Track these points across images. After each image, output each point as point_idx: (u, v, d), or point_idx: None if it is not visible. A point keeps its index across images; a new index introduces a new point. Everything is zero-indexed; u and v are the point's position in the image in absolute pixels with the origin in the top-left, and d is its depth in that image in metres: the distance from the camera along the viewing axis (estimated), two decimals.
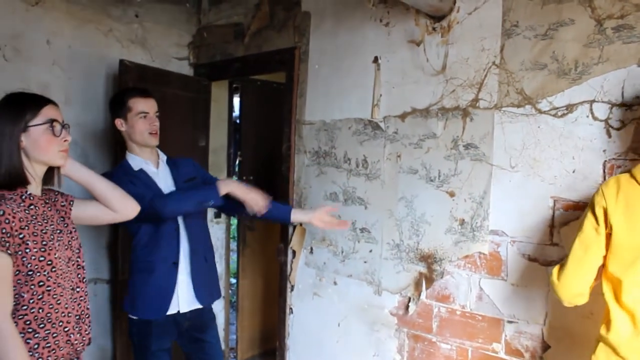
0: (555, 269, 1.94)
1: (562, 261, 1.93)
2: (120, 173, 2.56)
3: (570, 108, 2.32)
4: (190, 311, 2.68)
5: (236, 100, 4.64)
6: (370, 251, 3.08)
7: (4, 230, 1.66)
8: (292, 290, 3.54)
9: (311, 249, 3.42)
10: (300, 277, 3.49)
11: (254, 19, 3.81)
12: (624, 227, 1.75)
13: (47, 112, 1.84)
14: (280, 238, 3.62)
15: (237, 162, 4.59)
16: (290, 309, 3.55)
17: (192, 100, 4.00)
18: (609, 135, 2.21)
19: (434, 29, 2.79)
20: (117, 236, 3.59)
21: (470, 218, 2.64)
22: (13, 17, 3.23)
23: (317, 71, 3.37)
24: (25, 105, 1.82)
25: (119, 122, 2.64)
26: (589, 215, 1.85)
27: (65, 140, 1.88)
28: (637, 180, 1.76)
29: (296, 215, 2.91)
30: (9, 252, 1.68)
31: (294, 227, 3.49)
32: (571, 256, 1.88)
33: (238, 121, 4.62)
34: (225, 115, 4.45)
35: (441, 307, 2.76)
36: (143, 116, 2.62)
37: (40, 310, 1.78)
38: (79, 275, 1.96)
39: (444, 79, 2.74)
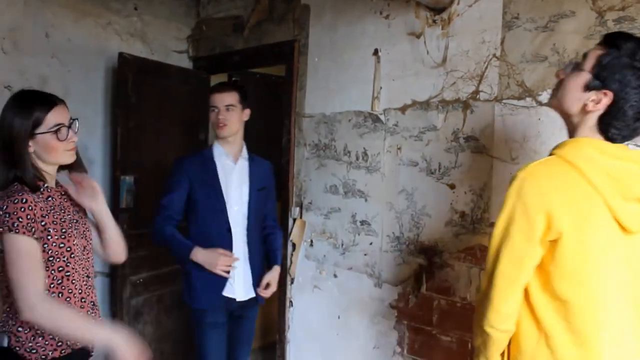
0: (481, 292, 1.58)
1: (485, 278, 1.56)
2: (197, 157, 2.85)
3: None
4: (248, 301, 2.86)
5: None
6: (371, 244, 3.08)
7: (28, 217, 1.72)
8: (292, 283, 3.55)
9: (311, 241, 3.42)
10: (300, 269, 3.50)
11: (254, 11, 3.79)
12: (575, 233, 1.41)
13: (52, 118, 1.85)
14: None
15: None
16: (291, 301, 3.56)
17: (192, 93, 3.99)
18: None
19: (434, 21, 2.78)
20: None
21: (470, 210, 2.64)
22: (12, 10, 3.22)
23: (316, 64, 3.37)
24: (32, 111, 1.83)
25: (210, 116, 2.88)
26: (518, 220, 1.45)
27: (72, 142, 1.91)
28: (579, 169, 1.43)
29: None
30: (35, 236, 1.73)
31: (294, 219, 3.49)
32: (499, 275, 1.48)
33: None
34: None
35: (441, 300, 2.77)
36: (212, 110, 2.79)
37: (60, 295, 1.84)
38: (92, 264, 2.03)
39: (445, 71, 2.74)
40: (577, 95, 1.51)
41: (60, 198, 1.94)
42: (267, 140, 4.27)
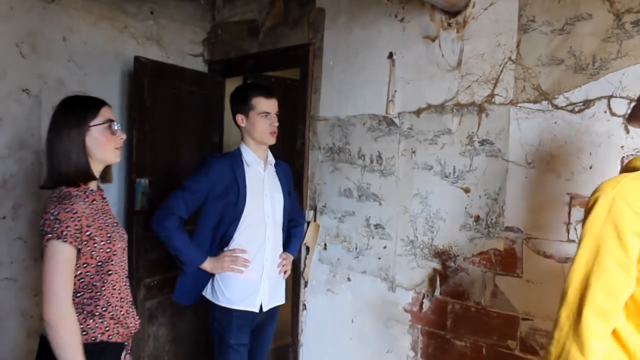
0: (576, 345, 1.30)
1: (565, 313, 1.33)
2: (226, 160, 2.72)
3: (587, 104, 2.30)
4: (270, 308, 2.83)
5: None
6: (385, 247, 3.07)
7: (76, 227, 1.79)
8: (305, 286, 3.54)
9: (325, 245, 3.42)
10: (314, 273, 3.50)
11: (269, 15, 3.81)
12: None
13: (104, 113, 1.96)
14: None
15: None
16: (304, 305, 3.55)
17: (207, 96, 4.01)
18: (627, 131, 2.18)
19: (449, 24, 2.77)
20: (132, 236, 3.61)
21: (485, 214, 2.63)
22: (30, 15, 3.25)
23: (331, 67, 3.37)
24: (86, 106, 1.94)
25: (239, 118, 2.75)
26: (610, 246, 1.27)
27: (120, 139, 2.00)
28: None
29: None
30: (79, 247, 1.81)
31: (308, 222, 3.49)
32: (591, 311, 1.28)
33: None
34: None
35: (455, 304, 2.75)
36: (264, 115, 2.70)
37: (112, 296, 1.94)
38: (127, 265, 2.09)
39: (460, 74, 2.73)
40: None
41: (102, 202, 2.00)
42: (281, 143, 4.27)
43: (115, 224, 2.01)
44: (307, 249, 3.51)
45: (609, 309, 1.27)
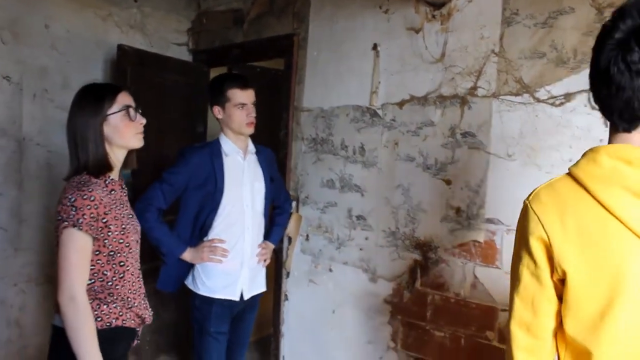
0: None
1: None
2: (206, 151, 2.71)
3: (568, 97, 2.31)
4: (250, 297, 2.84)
5: None
6: (366, 238, 3.08)
7: (92, 215, 1.79)
8: (287, 277, 3.55)
9: (307, 235, 3.42)
10: (296, 264, 3.50)
11: (254, 5, 3.79)
12: (584, 270, 1.11)
13: (121, 99, 1.95)
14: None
15: None
16: (286, 295, 3.56)
17: (191, 86, 3.99)
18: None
19: (433, 16, 2.78)
20: None
21: (466, 206, 2.64)
22: (11, 1, 3.21)
23: (315, 58, 3.36)
24: (102, 95, 1.93)
25: (216, 110, 2.75)
26: (523, 255, 1.21)
27: (140, 123, 2.00)
28: (584, 186, 1.12)
29: None
30: (94, 235, 1.81)
31: (290, 213, 3.49)
32: (513, 323, 1.25)
33: None
34: None
35: (435, 295, 2.77)
36: (241, 107, 2.70)
37: (123, 287, 1.94)
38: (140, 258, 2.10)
39: (443, 66, 2.73)
40: None
41: (121, 192, 2.00)
42: (265, 133, 4.26)
43: (131, 216, 2.02)
44: (289, 239, 3.51)
45: (530, 321, 1.22)
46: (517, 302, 1.23)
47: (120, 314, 1.92)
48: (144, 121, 2.01)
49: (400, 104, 2.91)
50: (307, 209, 3.41)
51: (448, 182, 2.71)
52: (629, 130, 1.13)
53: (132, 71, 3.54)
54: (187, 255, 2.68)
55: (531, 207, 1.19)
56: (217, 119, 2.78)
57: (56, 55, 3.46)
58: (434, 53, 2.77)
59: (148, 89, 3.64)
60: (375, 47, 3.02)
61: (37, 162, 3.39)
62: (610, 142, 1.19)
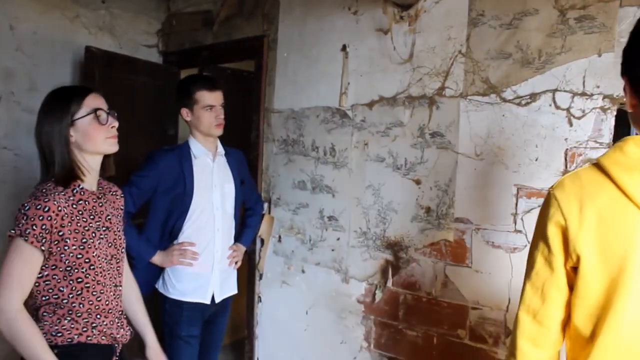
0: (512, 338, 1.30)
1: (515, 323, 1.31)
2: (175, 153, 2.70)
3: (533, 97, 2.34)
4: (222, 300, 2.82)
5: None
6: (338, 239, 3.09)
7: (43, 226, 1.68)
8: (260, 278, 3.54)
9: (279, 237, 3.42)
10: (269, 265, 3.49)
11: (223, 6, 3.78)
12: (597, 257, 1.11)
13: (89, 102, 1.82)
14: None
15: None
16: (259, 297, 3.55)
17: (161, 88, 3.95)
18: (570, 124, 2.24)
19: (401, 17, 2.80)
20: None
21: (435, 206, 2.66)
22: None
23: (285, 59, 3.36)
24: (69, 99, 1.81)
25: (184, 112, 2.71)
26: (538, 242, 1.23)
27: (112, 127, 1.87)
28: (609, 175, 1.12)
29: None
30: (42, 248, 1.70)
31: (262, 215, 3.48)
32: (522, 309, 1.26)
33: None
34: None
35: (407, 295, 2.79)
36: (209, 109, 2.67)
37: (81, 306, 1.81)
38: (121, 273, 1.99)
39: (411, 67, 2.75)
40: None
41: (94, 202, 1.87)
42: (236, 135, 4.25)
43: (105, 228, 1.88)
44: (262, 241, 3.50)
45: (537, 308, 1.23)
46: (528, 288, 1.24)
47: (84, 329, 1.80)
48: (115, 124, 1.88)
49: (370, 105, 2.92)
50: (279, 210, 3.41)
51: (418, 182, 2.73)
52: None
53: (100, 73, 3.50)
54: (157, 258, 2.66)
55: (554, 194, 1.20)
56: (186, 121, 2.75)
57: (22, 57, 3.41)
58: (402, 54, 2.79)
59: (117, 91, 3.60)
60: (344, 48, 3.03)
61: (3, 166, 3.33)
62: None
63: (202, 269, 2.70)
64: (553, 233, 1.18)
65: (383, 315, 2.89)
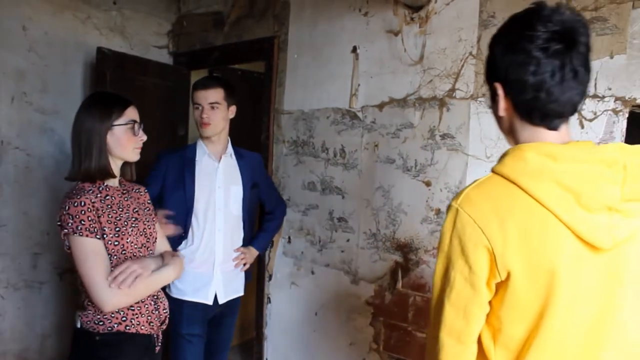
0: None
1: (429, 334, 1.30)
2: (177, 155, 2.77)
3: None
4: (227, 301, 2.81)
5: None
6: (348, 240, 3.09)
7: (89, 218, 1.84)
8: (270, 279, 3.55)
9: (289, 238, 3.42)
10: (278, 266, 3.50)
11: (234, 7, 3.79)
12: (526, 270, 1.13)
13: (129, 113, 1.99)
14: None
15: None
16: (268, 298, 3.56)
17: (172, 89, 3.97)
18: (582, 126, 2.23)
19: (412, 19, 2.79)
20: None
21: (445, 208, 2.65)
22: None
23: (296, 61, 3.37)
24: (112, 105, 1.96)
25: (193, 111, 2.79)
26: (456, 261, 1.18)
27: (141, 140, 2.03)
28: (515, 183, 1.15)
29: None
30: (97, 237, 1.85)
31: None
32: (444, 331, 1.22)
33: None
34: None
35: (417, 296, 2.78)
36: (196, 107, 2.72)
37: None
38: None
39: (422, 69, 2.75)
40: None
41: (120, 197, 2.02)
42: (246, 136, 4.26)
43: (134, 219, 2.02)
44: (272, 242, 3.51)
45: (461, 329, 1.20)
46: (448, 309, 1.20)
47: (123, 318, 1.92)
48: (144, 138, 2.04)
49: (380, 106, 2.92)
50: (289, 211, 3.41)
51: (428, 184, 2.73)
52: (551, 128, 1.20)
53: (111, 74, 3.52)
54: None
55: (465, 212, 1.17)
56: None
57: (34, 58, 3.43)
58: (413, 55, 2.79)
59: (128, 92, 3.53)
60: (354, 49, 3.04)
61: (15, 166, 3.35)
62: (523, 139, 1.22)
63: (203, 269, 2.72)
64: (476, 254, 1.15)
65: (392, 317, 2.89)
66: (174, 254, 2.15)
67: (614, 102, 2.15)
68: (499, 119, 1.30)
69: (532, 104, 1.18)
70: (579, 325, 1.15)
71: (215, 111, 2.69)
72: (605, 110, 2.17)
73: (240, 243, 2.87)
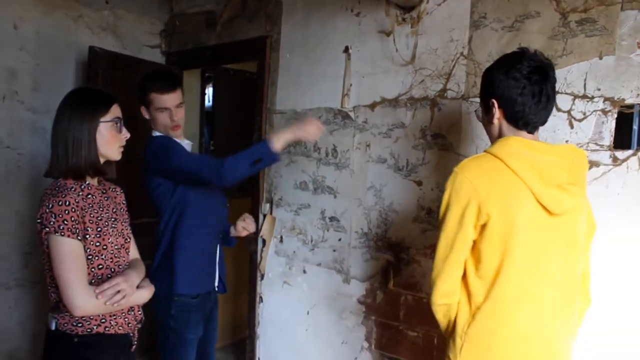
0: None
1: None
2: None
3: None
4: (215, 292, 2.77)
5: (209, 90, 4.62)
6: (339, 240, 3.10)
7: (73, 219, 1.80)
8: (262, 279, 3.55)
9: (281, 237, 3.43)
10: (270, 265, 3.51)
11: (226, 7, 3.79)
12: (500, 216, 1.61)
13: (114, 110, 1.94)
14: None
15: (209, 151, 4.58)
16: (260, 297, 3.56)
17: None
18: (571, 126, 2.25)
19: (404, 19, 2.81)
20: None
21: (437, 207, 2.66)
22: None
23: (288, 60, 3.38)
24: (98, 101, 1.93)
25: (143, 110, 2.62)
26: (452, 207, 1.67)
27: (124, 137, 2.00)
28: (500, 159, 1.64)
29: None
30: (79, 238, 1.81)
31: (264, 215, 3.50)
32: (437, 258, 1.72)
33: (211, 110, 4.61)
34: (197, 104, 4.42)
35: (408, 295, 2.80)
36: (161, 111, 2.56)
37: None
38: (126, 262, 2.06)
39: (413, 69, 2.76)
40: None
41: (101, 196, 1.98)
42: (239, 136, 4.27)
43: (113, 219, 1.98)
44: (264, 241, 3.52)
45: (447, 255, 1.68)
46: (442, 240, 1.70)
47: (103, 320, 1.89)
48: (128, 135, 2.00)
49: (372, 106, 2.94)
50: (281, 211, 3.42)
51: (419, 183, 2.74)
52: (530, 132, 1.73)
53: (103, 73, 3.52)
54: (276, 140, 2.31)
55: (463, 174, 1.66)
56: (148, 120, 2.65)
57: (26, 57, 3.43)
58: (405, 56, 2.80)
59: (120, 92, 3.54)
60: (346, 49, 3.05)
61: (6, 166, 3.35)
62: (504, 135, 1.73)
63: (210, 256, 2.69)
64: (466, 201, 1.64)
65: (384, 316, 2.90)
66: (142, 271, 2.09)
67: (603, 102, 2.17)
68: (490, 126, 1.80)
69: (518, 115, 1.70)
70: (533, 263, 1.63)
71: (181, 110, 2.61)
72: (594, 111, 2.18)
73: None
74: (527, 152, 1.64)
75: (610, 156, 2.14)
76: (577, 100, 2.23)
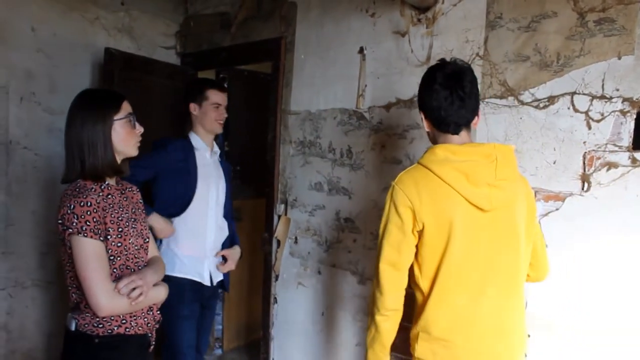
0: (374, 287, 1.88)
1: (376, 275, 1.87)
2: (178, 145, 2.91)
3: (551, 100, 2.33)
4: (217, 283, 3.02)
5: None
6: (354, 241, 3.09)
7: (95, 219, 1.81)
8: (276, 280, 3.55)
9: (296, 238, 3.43)
10: (285, 266, 3.51)
11: (241, 8, 3.80)
12: (434, 222, 1.75)
13: (125, 107, 1.96)
14: (265, 228, 3.62)
15: (224, 151, 4.59)
16: (275, 298, 3.56)
17: (179, 89, 3.96)
18: (589, 127, 2.23)
19: (419, 20, 2.80)
20: None
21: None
22: None
23: (302, 61, 3.37)
24: (109, 101, 1.94)
25: (192, 107, 2.96)
26: (392, 217, 1.81)
27: (139, 132, 2.01)
28: (428, 168, 1.79)
29: None
30: (101, 238, 1.83)
31: (279, 216, 3.50)
32: (382, 260, 1.82)
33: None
34: None
35: None
36: (216, 106, 2.94)
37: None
38: (144, 263, 2.08)
39: None
40: None
41: (120, 197, 2.00)
42: (253, 137, 4.28)
43: (133, 220, 2.01)
44: (278, 242, 3.52)
45: (395, 260, 1.81)
46: (387, 247, 1.82)
47: (123, 320, 1.91)
48: (141, 130, 2.01)
49: (387, 107, 2.93)
50: (296, 212, 3.42)
51: None
52: (454, 133, 1.86)
53: (119, 74, 3.54)
54: (155, 221, 2.69)
55: (398, 187, 1.81)
56: (191, 115, 2.97)
57: (43, 58, 3.46)
58: (420, 56, 2.79)
59: (135, 92, 3.62)
60: (361, 50, 3.04)
61: (23, 166, 3.38)
62: (439, 142, 1.88)
63: (196, 254, 2.88)
64: (404, 212, 1.78)
65: None
66: (160, 264, 2.15)
67: (622, 103, 2.14)
68: (428, 136, 1.99)
69: (440, 119, 1.84)
70: (472, 263, 1.76)
71: (226, 113, 3.01)
72: (612, 112, 2.16)
73: (227, 232, 3.04)
74: (453, 157, 1.77)
75: (629, 157, 2.12)
76: (594, 100, 2.21)
